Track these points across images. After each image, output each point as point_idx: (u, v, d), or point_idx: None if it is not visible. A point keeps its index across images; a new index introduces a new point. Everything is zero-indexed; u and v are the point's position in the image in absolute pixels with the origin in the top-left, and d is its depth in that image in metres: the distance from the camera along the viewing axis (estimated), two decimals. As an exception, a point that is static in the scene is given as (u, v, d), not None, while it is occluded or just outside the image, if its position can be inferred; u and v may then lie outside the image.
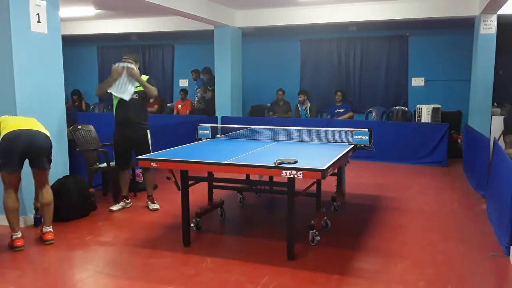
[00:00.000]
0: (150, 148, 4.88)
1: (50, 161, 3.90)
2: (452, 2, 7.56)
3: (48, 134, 3.91)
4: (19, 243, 3.77)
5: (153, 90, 4.87)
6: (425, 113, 8.07)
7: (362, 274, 3.35)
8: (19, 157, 3.70)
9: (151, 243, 3.99)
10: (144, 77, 4.90)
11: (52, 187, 4.14)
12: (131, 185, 5.42)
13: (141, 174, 5.82)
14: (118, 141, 4.92)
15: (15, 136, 3.68)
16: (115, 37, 10.74)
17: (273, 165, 3.29)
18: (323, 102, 9.62)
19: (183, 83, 10.85)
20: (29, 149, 3.72)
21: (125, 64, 4.73)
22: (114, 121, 4.90)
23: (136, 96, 4.80)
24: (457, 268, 3.45)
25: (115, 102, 4.85)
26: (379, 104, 9.42)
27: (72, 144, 5.08)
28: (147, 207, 5.00)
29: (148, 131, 4.95)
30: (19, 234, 3.79)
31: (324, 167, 3.21)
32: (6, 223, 4.32)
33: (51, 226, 3.95)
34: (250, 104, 10.15)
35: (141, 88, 4.82)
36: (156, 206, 4.98)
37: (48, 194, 3.96)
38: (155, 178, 5.13)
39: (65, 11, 7.90)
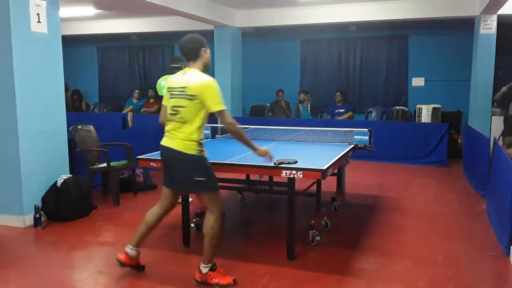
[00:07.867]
0: None
1: (193, 182, 3.00)
2: (452, 2, 7.56)
3: (184, 150, 2.98)
4: (120, 256, 3.25)
5: None
6: (425, 113, 8.07)
7: (362, 274, 3.36)
8: (166, 172, 3.22)
9: (151, 243, 3.99)
10: None
11: (52, 187, 4.13)
12: (130, 185, 5.42)
13: (141, 174, 5.83)
14: None
15: (161, 153, 3.19)
16: (115, 37, 10.74)
17: (273, 165, 3.29)
18: (323, 102, 9.61)
19: (183, 83, 10.82)
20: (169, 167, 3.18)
21: None
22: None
23: None
24: (457, 268, 3.45)
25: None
26: (379, 104, 9.41)
27: (72, 144, 5.08)
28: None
29: None
30: (131, 252, 3.26)
31: (324, 167, 3.22)
32: (5, 223, 4.36)
33: (205, 266, 3.11)
34: (250, 104, 10.14)
35: None
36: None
37: (205, 223, 3.12)
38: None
39: (65, 11, 7.90)
